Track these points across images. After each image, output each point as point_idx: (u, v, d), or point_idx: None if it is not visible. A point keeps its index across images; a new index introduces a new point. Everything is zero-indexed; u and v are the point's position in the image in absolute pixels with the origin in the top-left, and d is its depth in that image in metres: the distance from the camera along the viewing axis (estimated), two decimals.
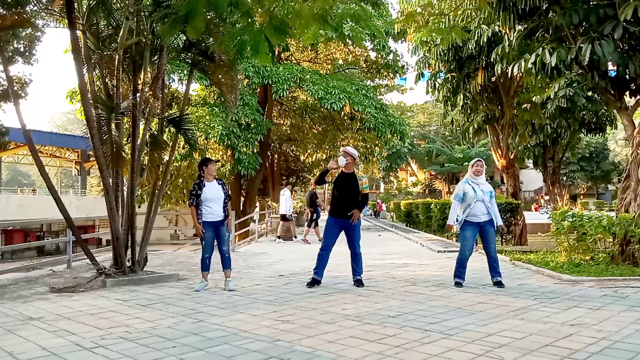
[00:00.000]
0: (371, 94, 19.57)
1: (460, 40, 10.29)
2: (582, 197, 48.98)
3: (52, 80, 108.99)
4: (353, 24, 17.31)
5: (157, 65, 7.71)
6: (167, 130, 9.54)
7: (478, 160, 6.56)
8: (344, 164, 6.45)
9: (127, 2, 7.24)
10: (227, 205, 6.56)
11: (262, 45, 5.91)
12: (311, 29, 6.26)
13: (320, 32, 17.92)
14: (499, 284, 6.12)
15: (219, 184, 6.55)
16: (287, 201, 14.83)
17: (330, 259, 6.81)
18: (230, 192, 6.79)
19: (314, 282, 6.42)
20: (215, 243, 6.55)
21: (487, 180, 6.74)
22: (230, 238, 12.85)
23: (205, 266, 6.46)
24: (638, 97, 8.33)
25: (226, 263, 6.48)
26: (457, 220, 6.44)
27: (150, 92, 7.57)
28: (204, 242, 6.42)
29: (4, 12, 7.06)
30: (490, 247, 6.32)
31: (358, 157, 6.78)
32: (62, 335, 4.19)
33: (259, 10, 6.24)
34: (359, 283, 6.39)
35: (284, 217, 14.91)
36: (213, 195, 6.37)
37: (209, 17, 7.10)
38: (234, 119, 16.45)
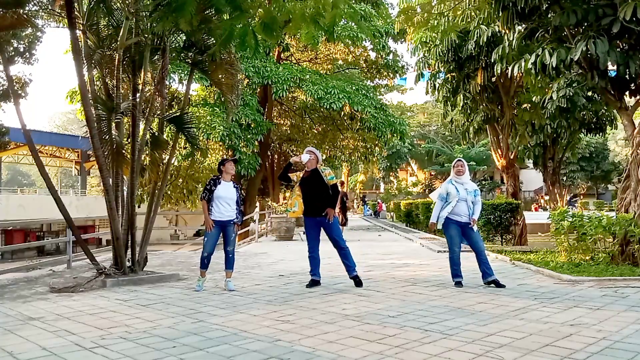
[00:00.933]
0: (371, 94, 19.60)
1: (455, 35, 10.29)
2: (582, 197, 48.96)
3: (52, 80, 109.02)
4: (351, 24, 17.36)
5: (161, 65, 7.71)
6: (167, 130, 9.54)
7: (458, 160, 6.59)
8: (307, 160, 6.46)
9: (127, 1, 7.24)
10: (240, 208, 6.56)
11: (248, 38, 5.91)
12: (303, 30, 6.28)
13: (320, 33, 17.99)
14: (496, 282, 6.10)
15: (235, 186, 6.56)
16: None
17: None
18: (243, 195, 6.80)
19: (314, 283, 6.42)
20: (221, 243, 6.57)
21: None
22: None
23: (203, 264, 6.47)
24: (638, 97, 8.33)
25: (229, 263, 6.47)
26: (438, 219, 6.49)
27: (157, 93, 7.58)
28: (205, 239, 6.44)
29: (4, 11, 7.05)
30: (479, 247, 6.29)
31: (322, 159, 6.82)
32: (62, 335, 4.20)
33: (254, 5, 6.25)
34: (357, 280, 6.34)
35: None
36: (225, 194, 6.38)
37: (207, 13, 7.12)
38: (234, 119, 16.47)
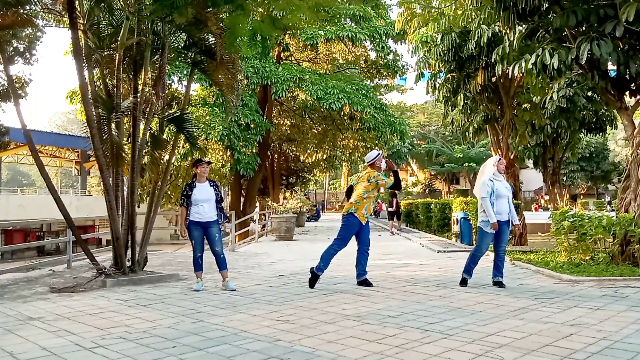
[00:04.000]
0: (371, 94, 19.58)
1: (457, 29, 10.28)
2: (582, 197, 48.96)
3: (52, 80, 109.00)
4: (353, 25, 17.35)
5: (159, 64, 7.70)
6: (167, 129, 9.53)
7: (501, 158, 6.52)
8: (385, 167, 6.62)
9: (127, 1, 7.24)
10: (219, 206, 6.50)
11: (258, 34, 5.94)
12: (306, 17, 6.29)
13: (320, 33, 17.98)
14: (499, 284, 6.11)
15: (211, 185, 6.53)
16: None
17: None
18: (222, 194, 6.71)
19: (315, 278, 6.34)
20: (208, 245, 6.57)
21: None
22: (230, 238, 12.95)
23: (197, 265, 6.48)
24: (638, 97, 8.33)
25: (221, 264, 6.46)
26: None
27: (153, 92, 7.58)
28: (193, 242, 6.47)
29: (5, 10, 7.04)
30: (501, 247, 6.26)
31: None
32: (62, 335, 4.19)
33: (255, 5, 6.27)
34: (366, 282, 6.39)
35: (377, 214, 18.46)
36: (201, 196, 6.37)
37: (209, 11, 7.12)
38: (233, 120, 16.47)
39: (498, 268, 6.23)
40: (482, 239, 6.26)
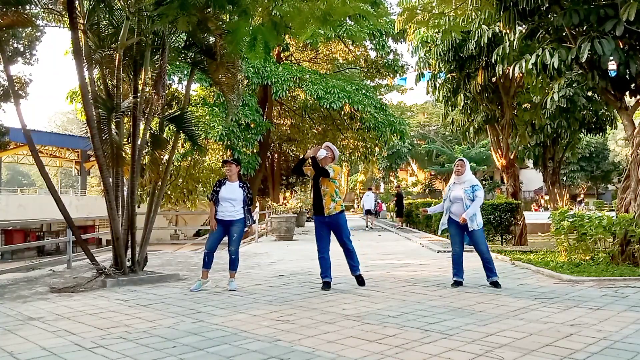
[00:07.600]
0: (371, 94, 19.61)
1: (458, 34, 10.30)
2: (582, 197, 48.98)
3: (52, 80, 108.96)
4: (352, 24, 17.36)
5: (159, 64, 7.71)
6: (167, 129, 9.54)
7: (458, 160, 6.53)
8: (322, 156, 6.28)
9: (128, 1, 7.24)
10: (246, 208, 6.52)
11: (259, 40, 5.94)
12: (308, 29, 6.29)
13: (320, 32, 18.01)
14: (495, 283, 6.09)
15: (240, 186, 6.55)
16: (371, 200, 20.44)
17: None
18: (250, 196, 6.69)
19: (327, 286, 6.26)
20: (225, 242, 6.63)
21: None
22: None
23: (204, 262, 6.50)
24: (638, 97, 8.33)
25: (232, 264, 6.51)
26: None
27: (153, 91, 7.58)
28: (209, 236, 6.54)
29: (4, 10, 7.04)
30: (481, 248, 6.24)
31: (338, 156, 6.71)
32: (62, 335, 4.19)
33: (258, 9, 6.27)
34: (359, 279, 6.37)
35: (368, 212, 20.59)
36: (227, 195, 6.42)
37: (208, 12, 7.13)
38: (233, 119, 16.49)
39: (489, 269, 6.22)
40: (451, 239, 6.51)
